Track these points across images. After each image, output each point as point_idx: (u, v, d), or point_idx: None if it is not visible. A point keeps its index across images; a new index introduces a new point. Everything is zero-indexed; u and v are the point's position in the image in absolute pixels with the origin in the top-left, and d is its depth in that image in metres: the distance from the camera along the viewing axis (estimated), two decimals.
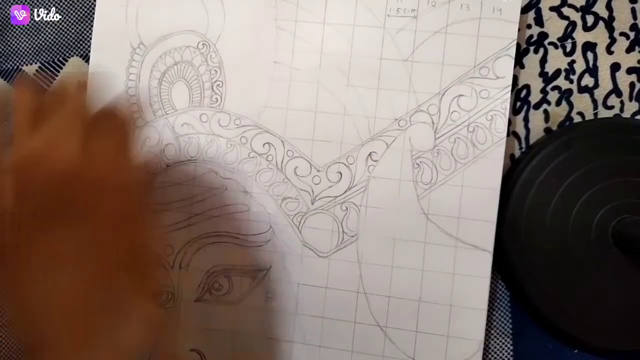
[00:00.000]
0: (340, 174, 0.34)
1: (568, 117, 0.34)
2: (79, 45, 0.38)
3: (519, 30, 0.33)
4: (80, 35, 0.38)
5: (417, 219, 0.33)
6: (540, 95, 0.34)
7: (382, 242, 0.34)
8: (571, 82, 0.34)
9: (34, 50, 0.38)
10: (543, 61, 0.34)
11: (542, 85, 0.34)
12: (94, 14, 0.37)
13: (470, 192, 0.33)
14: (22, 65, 0.38)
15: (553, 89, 0.34)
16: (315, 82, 0.34)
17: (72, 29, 0.38)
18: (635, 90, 0.34)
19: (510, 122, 0.33)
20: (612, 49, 0.34)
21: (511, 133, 0.34)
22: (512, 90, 0.33)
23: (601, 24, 0.34)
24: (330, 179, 0.34)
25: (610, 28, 0.34)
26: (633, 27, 0.34)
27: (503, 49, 0.33)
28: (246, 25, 0.35)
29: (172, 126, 0.35)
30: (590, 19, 0.34)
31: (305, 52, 0.35)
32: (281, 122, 0.35)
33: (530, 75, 0.34)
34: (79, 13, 0.38)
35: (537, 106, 0.34)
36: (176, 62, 0.36)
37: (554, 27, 0.34)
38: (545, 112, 0.34)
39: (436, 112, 0.33)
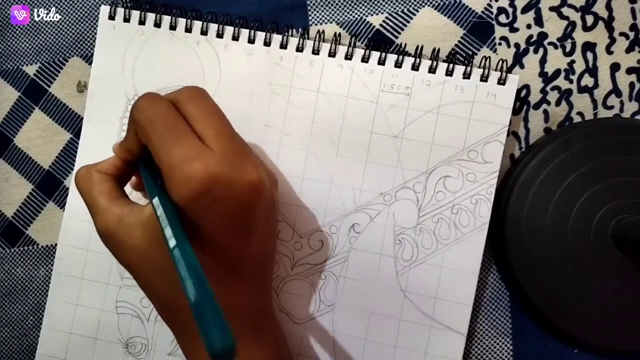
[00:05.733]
0: (322, 242, 0.34)
1: (568, 117, 0.34)
2: (79, 45, 0.38)
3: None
4: (80, 35, 0.38)
5: (395, 295, 0.34)
6: (540, 95, 0.34)
7: (358, 314, 0.34)
8: (571, 82, 0.34)
9: (34, 50, 0.38)
10: (543, 61, 0.34)
11: (541, 85, 0.34)
12: (94, 14, 0.37)
13: (449, 274, 0.33)
14: (22, 66, 0.38)
15: (553, 89, 0.34)
16: (305, 148, 0.34)
17: (72, 29, 0.38)
18: (635, 90, 0.34)
19: (510, 122, 0.33)
20: (612, 49, 0.34)
21: (511, 133, 0.34)
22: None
23: (601, 24, 0.34)
24: (311, 246, 0.34)
25: (609, 28, 0.34)
26: (633, 27, 0.34)
27: (494, 134, 0.33)
28: (241, 86, 0.35)
29: None
30: (589, 19, 0.34)
31: (297, 118, 0.35)
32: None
33: (530, 75, 0.34)
34: (79, 13, 0.38)
35: (537, 106, 0.34)
36: None
37: (554, 27, 0.34)
38: (545, 112, 0.34)
39: (422, 191, 0.34)
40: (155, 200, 0.26)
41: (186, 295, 0.21)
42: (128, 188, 0.31)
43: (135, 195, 0.35)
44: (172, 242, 0.24)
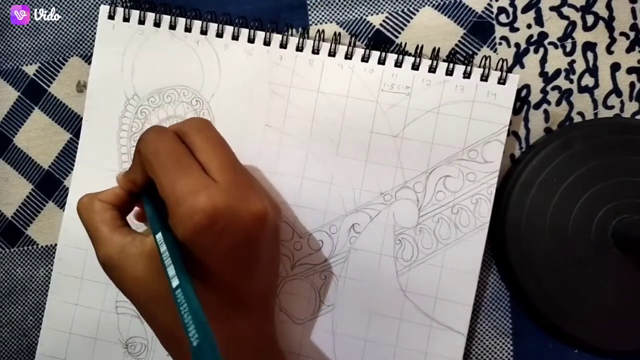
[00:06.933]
0: (322, 242, 0.34)
1: (568, 117, 0.34)
2: (79, 45, 0.38)
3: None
4: (80, 35, 0.38)
5: (395, 295, 0.33)
6: (540, 95, 0.34)
7: (358, 314, 0.34)
8: (571, 82, 0.34)
9: (34, 50, 0.38)
10: (543, 61, 0.34)
11: (542, 85, 0.34)
12: (93, 13, 0.37)
13: (449, 274, 0.33)
14: (22, 65, 0.38)
15: (553, 88, 0.34)
16: (305, 148, 0.34)
17: (72, 29, 0.38)
18: (635, 90, 0.34)
19: (510, 122, 0.33)
20: (612, 48, 0.34)
21: (511, 133, 0.34)
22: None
23: (601, 23, 0.34)
24: (311, 246, 0.34)
25: (610, 28, 0.34)
26: (633, 27, 0.34)
27: (494, 133, 0.33)
28: (241, 85, 0.35)
29: None
30: (590, 19, 0.34)
31: (297, 118, 0.34)
32: (268, 185, 0.34)
33: (530, 75, 0.34)
34: (79, 13, 0.38)
35: (537, 106, 0.34)
36: (169, 116, 0.36)
37: (554, 27, 0.34)
38: (546, 112, 0.34)
39: (422, 190, 0.33)
40: (159, 236, 0.26)
41: (188, 339, 0.22)
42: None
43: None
44: (174, 282, 0.24)
